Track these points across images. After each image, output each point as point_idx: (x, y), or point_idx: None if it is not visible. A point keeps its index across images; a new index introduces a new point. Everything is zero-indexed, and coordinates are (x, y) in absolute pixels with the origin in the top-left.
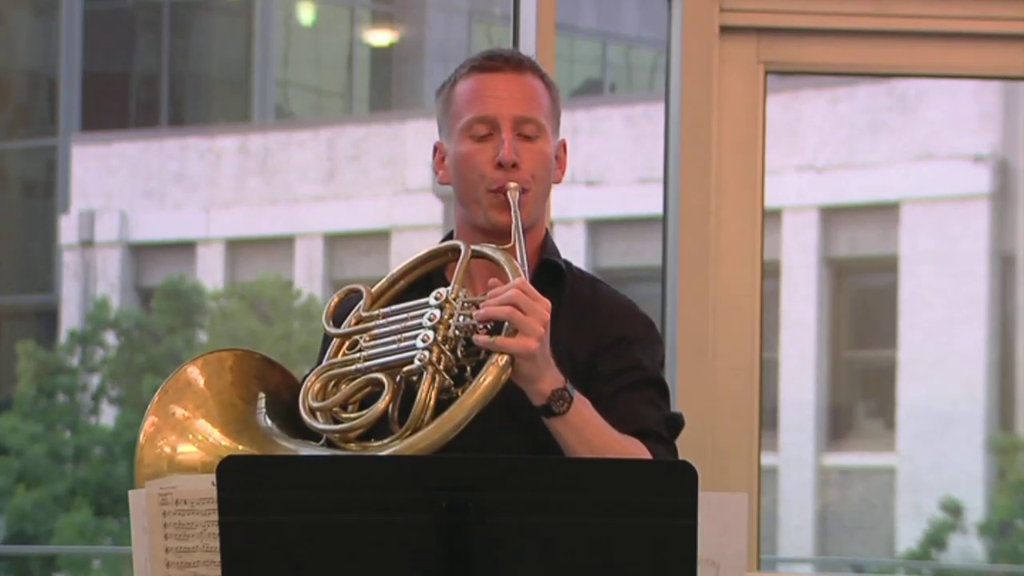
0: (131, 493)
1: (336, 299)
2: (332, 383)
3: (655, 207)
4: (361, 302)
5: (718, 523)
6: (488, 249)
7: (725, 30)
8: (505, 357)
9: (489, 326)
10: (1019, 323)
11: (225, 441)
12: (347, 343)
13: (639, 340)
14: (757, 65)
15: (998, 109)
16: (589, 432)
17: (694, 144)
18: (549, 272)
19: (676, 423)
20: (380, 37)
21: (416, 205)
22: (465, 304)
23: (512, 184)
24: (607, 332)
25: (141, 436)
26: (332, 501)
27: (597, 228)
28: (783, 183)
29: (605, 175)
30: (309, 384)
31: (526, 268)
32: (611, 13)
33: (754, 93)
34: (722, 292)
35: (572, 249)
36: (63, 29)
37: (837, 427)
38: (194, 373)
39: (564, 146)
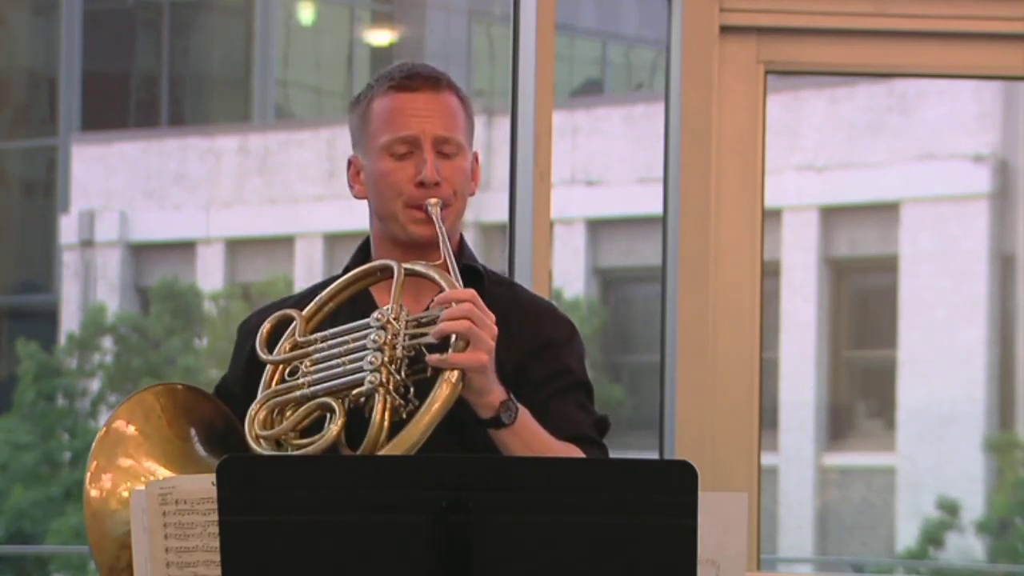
0: (132, 492)
1: (269, 325)
2: (276, 410)
3: (655, 207)
4: (294, 326)
5: (718, 523)
6: (420, 267)
7: (725, 30)
8: (456, 373)
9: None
10: (1019, 323)
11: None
12: (286, 369)
13: (564, 343)
14: (757, 65)
15: (998, 109)
16: (534, 441)
17: (694, 144)
18: (469, 277)
19: (604, 426)
20: (380, 37)
21: None
22: (409, 323)
23: (432, 200)
24: (533, 337)
25: (94, 491)
26: (332, 501)
27: (597, 228)
28: (783, 183)
29: (605, 175)
30: (253, 413)
31: (459, 283)
32: (611, 13)
33: (754, 93)
34: (722, 292)
35: (572, 249)
36: (63, 29)
37: (837, 427)
38: (122, 424)
39: (476, 158)
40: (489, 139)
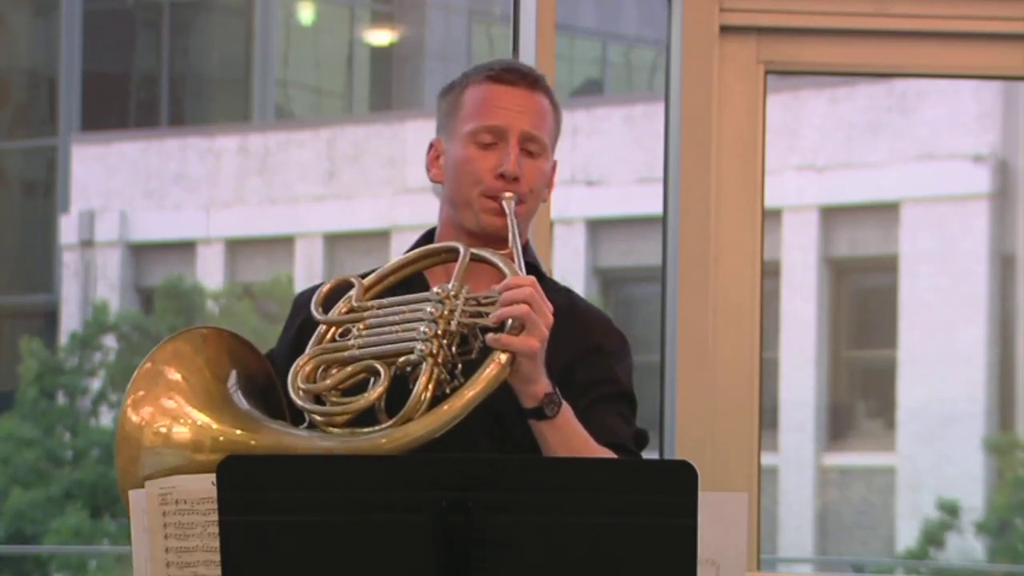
0: (131, 493)
1: (328, 287)
2: (323, 367)
3: (655, 207)
4: (353, 292)
5: (718, 523)
6: (487, 253)
7: (725, 30)
8: (507, 355)
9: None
10: (1019, 323)
11: (215, 425)
12: (338, 331)
13: (615, 353)
14: (757, 65)
15: (998, 109)
16: (574, 438)
17: (694, 144)
18: (529, 274)
19: (643, 440)
20: (380, 37)
21: (416, 205)
22: (468, 300)
23: (508, 193)
24: (584, 342)
25: (134, 417)
26: (332, 501)
27: (597, 228)
28: (783, 183)
29: (605, 175)
30: (299, 365)
31: (523, 273)
32: (611, 13)
33: (754, 93)
34: (722, 292)
35: (572, 249)
36: (63, 29)
37: (837, 427)
38: (165, 362)
39: (555, 167)
40: None
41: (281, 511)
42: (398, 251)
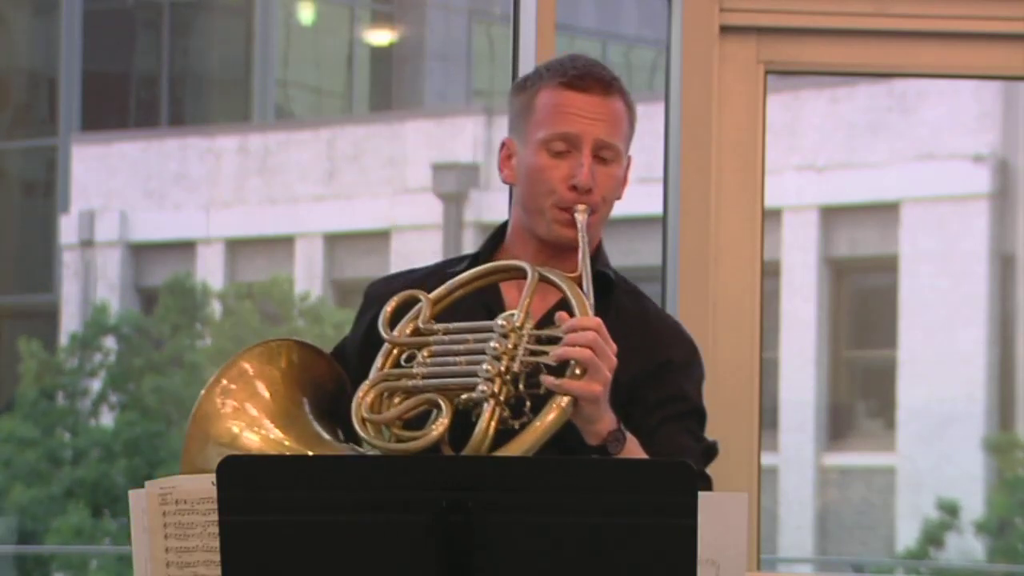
0: (131, 493)
1: (394, 303)
2: (385, 395)
3: (655, 207)
4: (420, 308)
5: (718, 523)
6: (555, 277)
7: (725, 30)
8: (568, 399)
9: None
10: (1019, 323)
11: (287, 441)
12: (403, 353)
13: (683, 367)
14: (757, 65)
15: (998, 109)
16: None
17: (694, 144)
18: (600, 284)
19: (712, 453)
20: (380, 37)
21: (416, 205)
22: (531, 337)
23: (581, 206)
24: (654, 355)
25: (217, 400)
26: (332, 501)
27: None
28: (783, 183)
29: None
30: (361, 396)
31: (592, 300)
32: (611, 13)
33: (754, 93)
34: (722, 292)
35: None
36: (63, 29)
37: (837, 427)
38: (247, 368)
39: (629, 164)
40: (489, 139)
41: (281, 511)
42: (398, 251)
